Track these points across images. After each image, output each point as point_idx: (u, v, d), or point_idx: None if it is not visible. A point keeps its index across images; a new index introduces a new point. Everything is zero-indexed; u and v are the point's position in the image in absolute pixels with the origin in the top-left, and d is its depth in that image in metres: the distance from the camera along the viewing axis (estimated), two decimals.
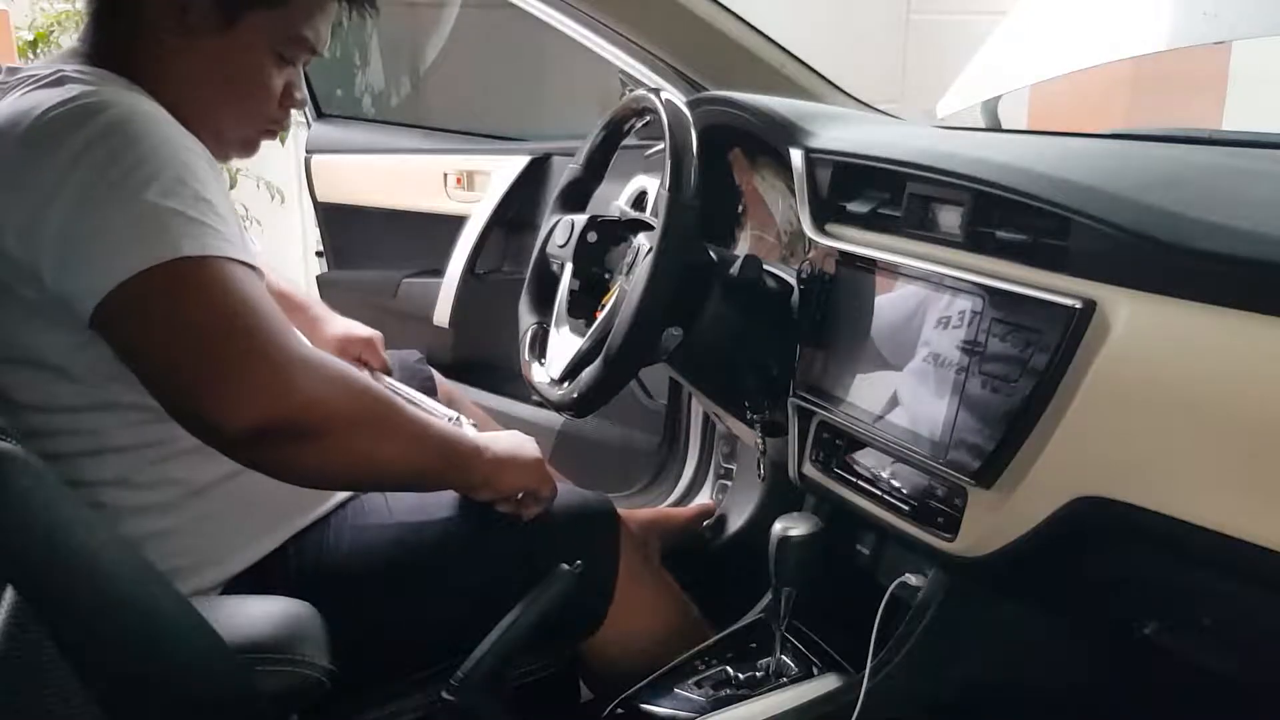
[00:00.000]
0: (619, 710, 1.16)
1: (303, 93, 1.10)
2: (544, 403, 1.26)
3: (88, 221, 0.87)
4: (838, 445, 1.12)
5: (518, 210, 2.13)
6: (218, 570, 1.01)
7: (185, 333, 0.86)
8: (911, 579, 1.10)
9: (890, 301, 1.05)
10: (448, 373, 1.56)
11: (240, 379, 0.85)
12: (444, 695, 1.02)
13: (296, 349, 0.89)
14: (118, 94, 0.92)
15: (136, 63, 0.99)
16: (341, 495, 1.12)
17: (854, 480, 1.10)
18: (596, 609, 1.15)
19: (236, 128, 1.06)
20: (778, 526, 1.13)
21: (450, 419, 1.25)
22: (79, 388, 0.94)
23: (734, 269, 1.15)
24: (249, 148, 1.10)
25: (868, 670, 1.09)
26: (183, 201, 0.88)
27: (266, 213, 3.24)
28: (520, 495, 1.11)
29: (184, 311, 0.86)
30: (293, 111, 1.11)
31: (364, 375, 0.99)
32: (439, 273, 2.18)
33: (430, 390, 1.44)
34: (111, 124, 0.89)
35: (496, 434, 1.14)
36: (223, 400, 0.85)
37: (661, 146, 1.12)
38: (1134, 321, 0.82)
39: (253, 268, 0.91)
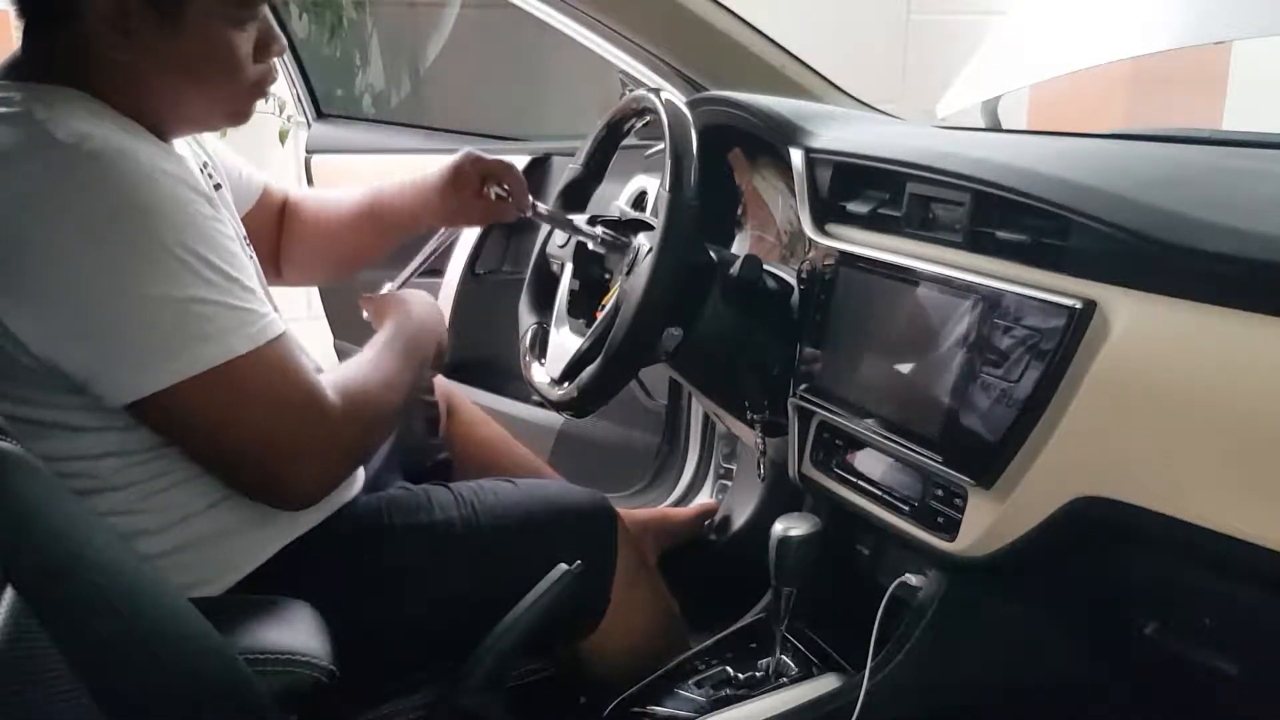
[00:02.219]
0: (619, 711, 1.16)
1: (281, 41, 1.01)
2: (544, 403, 1.26)
3: (114, 318, 0.85)
4: (838, 445, 1.12)
5: None
6: (216, 584, 1.00)
7: (243, 426, 0.91)
8: (911, 579, 1.10)
9: (890, 302, 1.05)
10: (448, 373, 1.55)
11: (301, 459, 0.94)
12: (444, 695, 1.02)
13: (332, 401, 0.95)
14: (93, 135, 0.86)
15: (93, 79, 0.92)
16: (337, 502, 1.12)
17: (854, 480, 1.10)
18: (593, 608, 1.15)
19: (219, 108, 1.01)
20: (778, 526, 1.13)
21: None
22: (72, 441, 0.92)
23: (734, 269, 1.15)
24: (239, 118, 1.03)
25: (868, 670, 1.09)
26: (214, 287, 0.87)
27: None
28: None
29: (241, 407, 0.90)
30: (275, 63, 1.02)
31: (344, 371, 1.04)
32: (439, 273, 2.17)
33: (429, 388, 1.44)
34: (105, 193, 0.85)
35: (398, 311, 1.15)
36: (290, 482, 0.95)
37: (661, 146, 1.12)
38: (1134, 321, 0.82)
39: (284, 331, 0.93)
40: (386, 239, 1.37)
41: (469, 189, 1.28)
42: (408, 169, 1.34)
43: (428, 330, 1.15)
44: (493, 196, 1.28)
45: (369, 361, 1.05)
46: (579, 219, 1.27)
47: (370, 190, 1.33)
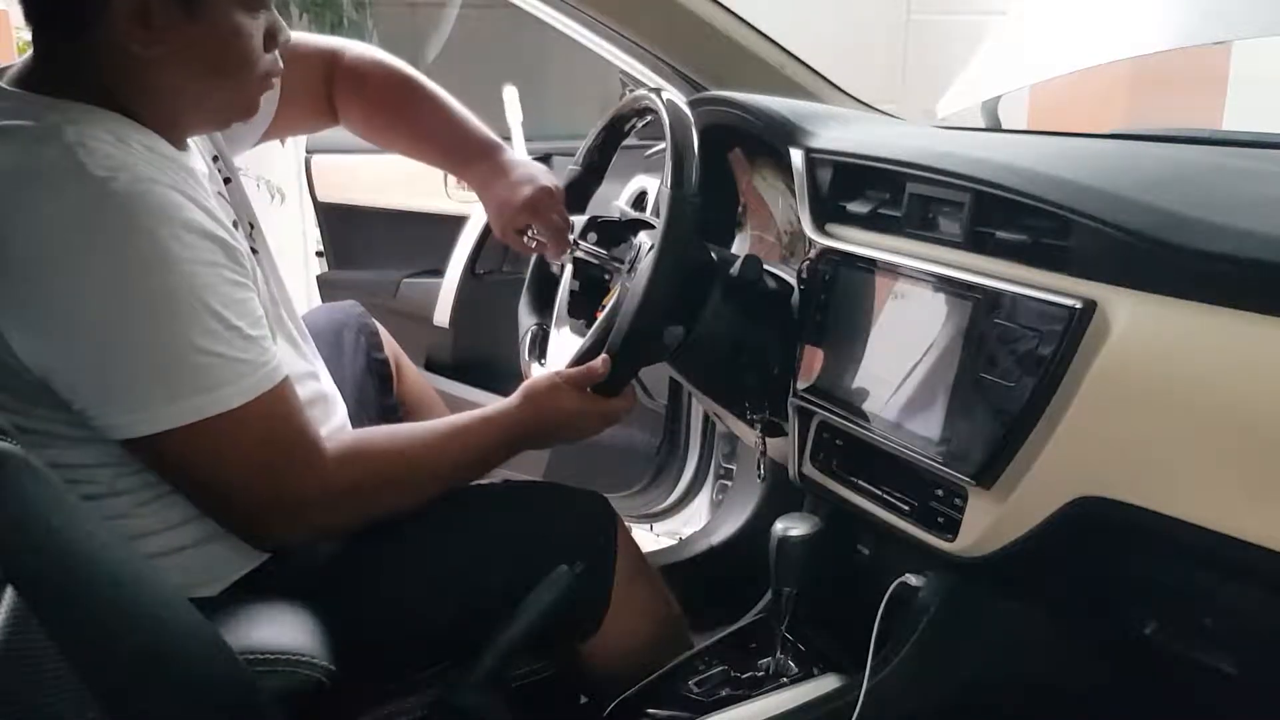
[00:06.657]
0: (619, 711, 1.16)
1: (286, 32, 1.01)
2: None
3: (112, 356, 0.86)
4: (838, 445, 1.12)
5: None
6: (216, 585, 1.01)
7: (228, 474, 0.92)
8: (911, 579, 1.10)
9: (890, 302, 1.05)
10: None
11: (282, 509, 0.95)
12: (444, 695, 1.02)
13: (324, 452, 0.97)
14: (121, 166, 0.87)
15: (113, 86, 0.93)
16: None
17: (854, 480, 1.10)
18: (594, 609, 1.15)
19: (234, 101, 1.01)
20: (778, 526, 1.13)
21: None
22: (71, 449, 0.92)
23: (734, 269, 1.15)
24: (250, 111, 1.04)
25: (868, 670, 1.09)
26: (215, 336, 0.88)
27: (266, 212, 3.23)
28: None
29: (229, 456, 0.91)
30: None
31: (380, 431, 1.09)
32: (439, 273, 2.17)
33: (377, 346, 1.42)
34: (123, 237, 0.86)
35: (534, 409, 1.12)
36: (270, 527, 0.97)
37: (662, 146, 1.12)
38: (1134, 321, 0.82)
39: (281, 380, 0.94)
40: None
41: (512, 226, 1.30)
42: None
43: (544, 437, 1.15)
44: (527, 242, 1.30)
45: (412, 429, 1.09)
46: (622, 264, 1.26)
47: (448, 148, 1.36)
